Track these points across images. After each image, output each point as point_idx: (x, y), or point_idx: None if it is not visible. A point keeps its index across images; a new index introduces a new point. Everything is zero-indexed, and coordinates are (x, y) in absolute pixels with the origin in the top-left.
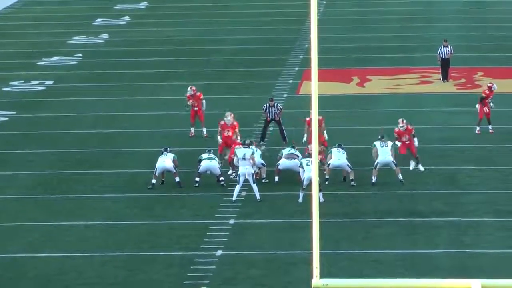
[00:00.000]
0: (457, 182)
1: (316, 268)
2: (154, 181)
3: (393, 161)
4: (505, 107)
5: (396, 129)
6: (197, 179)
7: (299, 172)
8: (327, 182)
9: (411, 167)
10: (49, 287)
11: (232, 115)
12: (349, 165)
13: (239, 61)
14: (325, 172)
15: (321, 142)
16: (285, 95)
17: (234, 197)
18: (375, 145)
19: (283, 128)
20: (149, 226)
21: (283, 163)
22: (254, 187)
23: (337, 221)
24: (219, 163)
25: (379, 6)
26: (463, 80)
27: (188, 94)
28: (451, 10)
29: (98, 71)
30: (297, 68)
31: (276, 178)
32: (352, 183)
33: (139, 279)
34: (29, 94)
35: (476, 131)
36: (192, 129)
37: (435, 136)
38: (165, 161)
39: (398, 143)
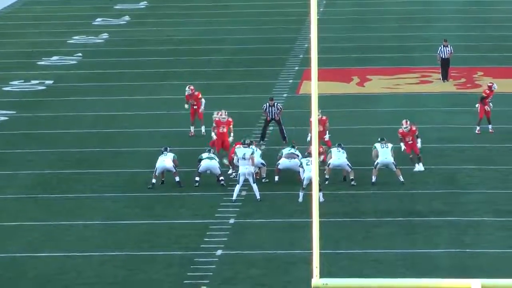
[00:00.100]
0: (457, 182)
1: (316, 267)
2: (154, 180)
3: (393, 162)
4: (505, 107)
5: (400, 130)
6: (197, 178)
7: (299, 172)
8: (327, 182)
9: (416, 169)
10: (48, 287)
11: (226, 112)
12: (349, 164)
13: (239, 61)
14: (325, 171)
15: (324, 142)
16: (285, 95)
17: (234, 197)
18: (375, 147)
19: (283, 127)
20: (149, 225)
21: (283, 162)
22: (254, 186)
23: (337, 221)
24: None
25: (378, 5)
26: (463, 80)
27: (186, 93)
28: (450, 10)
29: (98, 70)
30: (297, 68)
31: (276, 178)
32: (352, 182)
33: (138, 279)
34: (29, 94)
35: (476, 131)
36: (192, 129)
37: (435, 135)
38: (165, 161)
39: (403, 147)
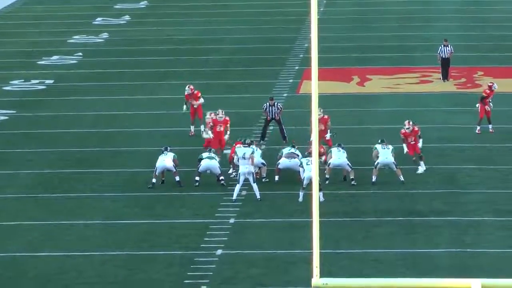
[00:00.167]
0: (457, 182)
1: (316, 267)
2: (154, 180)
3: (393, 162)
4: (505, 107)
5: (403, 130)
6: (197, 178)
7: (299, 172)
8: (327, 182)
9: (419, 171)
10: (49, 286)
11: (223, 111)
12: (349, 164)
13: (238, 60)
14: (325, 171)
15: (325, 141)
16: (285, 95)
17: (234, 197)
18: (376, 148)
19: (283, 127)
20: (149, 225)
21: (283, 162)
22: (254, 186)
23: (337, 220)
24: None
25: (379, 5)
26: (463, 80)
27: (186, 93)
28: (450, 10)
29: (98, 70)
30: (297, 67)
31: (276, 178)
32: (352, 182)
33: (139, 278)
34: (29, 93)
35: (477, 131)
36: (192, 128)
37: (435, 135)
38: (165, 160)
39: (406, 149)
